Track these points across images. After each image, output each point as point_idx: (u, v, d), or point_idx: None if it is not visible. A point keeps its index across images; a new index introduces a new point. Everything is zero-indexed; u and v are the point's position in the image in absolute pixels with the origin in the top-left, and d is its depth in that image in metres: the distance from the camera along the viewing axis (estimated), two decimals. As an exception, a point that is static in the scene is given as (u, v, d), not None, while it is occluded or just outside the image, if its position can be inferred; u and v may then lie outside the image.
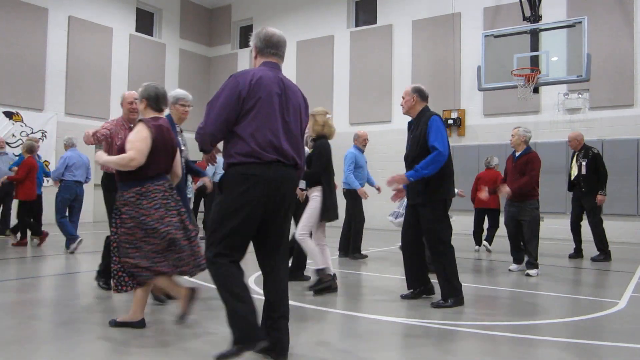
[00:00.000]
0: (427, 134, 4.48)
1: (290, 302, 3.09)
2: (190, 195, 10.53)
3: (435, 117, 4.59)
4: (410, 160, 4.56)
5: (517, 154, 6.57)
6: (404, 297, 4.77)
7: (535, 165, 6.38)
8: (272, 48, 3.05)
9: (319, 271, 4.99)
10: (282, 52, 3.10)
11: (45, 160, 12.36)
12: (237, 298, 2.76)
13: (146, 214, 3.47)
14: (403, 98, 4.80)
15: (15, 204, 8.95)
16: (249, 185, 2.82)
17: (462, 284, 4.62)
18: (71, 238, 7.71)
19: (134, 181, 3.52)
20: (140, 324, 3.60)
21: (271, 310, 2.92)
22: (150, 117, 3.68)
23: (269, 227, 2.98)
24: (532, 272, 6.23)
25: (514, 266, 6.67)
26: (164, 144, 3.63)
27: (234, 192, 2.84)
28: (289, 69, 15.77)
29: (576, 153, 7.97)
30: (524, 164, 6.39)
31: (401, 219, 6.69)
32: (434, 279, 4.72)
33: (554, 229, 11.15)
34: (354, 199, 7.55)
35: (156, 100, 3.72)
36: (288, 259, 3.52)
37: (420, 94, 4.74)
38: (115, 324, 3.63)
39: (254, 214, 2.85)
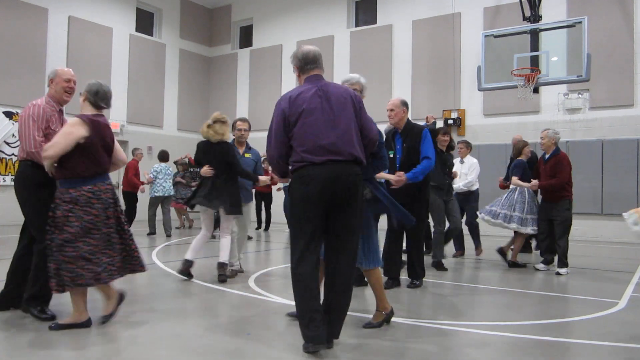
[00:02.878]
0: (420, 145, 5.15)
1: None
2: None
3: (426, 129, 5.31)
4: (407, 167, 5.04)
5: (547, 156, 6.76)
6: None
7: (565, 166, 6.58)
8: (311, 64, 3.42)
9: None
10: (319, 64, 3.47)
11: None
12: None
13: (95, 214, 3.50)
14: (392, 110, 5.24)
15: None
16: (306, 184, 3.15)
17: (460, 283, 4.60)
18: None
19: (84, 178, 3.53)
20: (87, 323, 3.56)
21: None
22: (90, 114, 3.71)
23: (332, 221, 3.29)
24: (562, 270, 6.39)
25: (541, 266, 6.70)
26: (103, 141, 3.68)
27: (295, 192, 3.22)
28: (289, 70, 15.75)
29: None
30: (554, 166, 6.60)
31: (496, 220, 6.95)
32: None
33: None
34: None
35: (95, 95, 3.77)
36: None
37: (407, 106, 5.33)
38: (58, 327, 3.50)
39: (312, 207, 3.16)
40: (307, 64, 3.42)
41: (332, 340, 3.17)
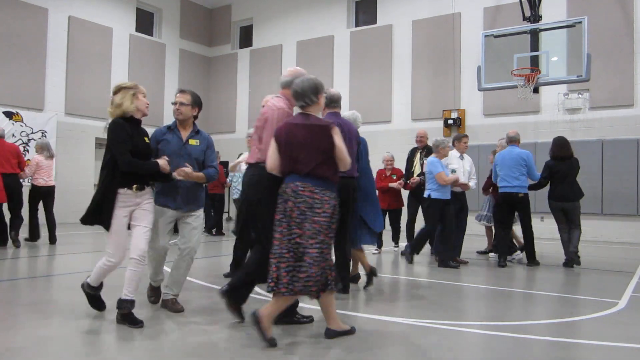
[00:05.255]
0: None
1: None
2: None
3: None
4: None
5: None
6: None
7: None
8: (334, 103, 4.73)
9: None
10: (339, 105, 4.80)
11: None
12: None
13: None
14: None
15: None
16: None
17: (463, 284, 4.60)
18: None
19: None
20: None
21: None
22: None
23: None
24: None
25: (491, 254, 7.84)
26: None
27: None
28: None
29: (419, 150, 8.03)
30: None
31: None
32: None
33: (553, 229, 11.13)
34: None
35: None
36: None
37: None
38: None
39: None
40: (332, 102, 4.66)
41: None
